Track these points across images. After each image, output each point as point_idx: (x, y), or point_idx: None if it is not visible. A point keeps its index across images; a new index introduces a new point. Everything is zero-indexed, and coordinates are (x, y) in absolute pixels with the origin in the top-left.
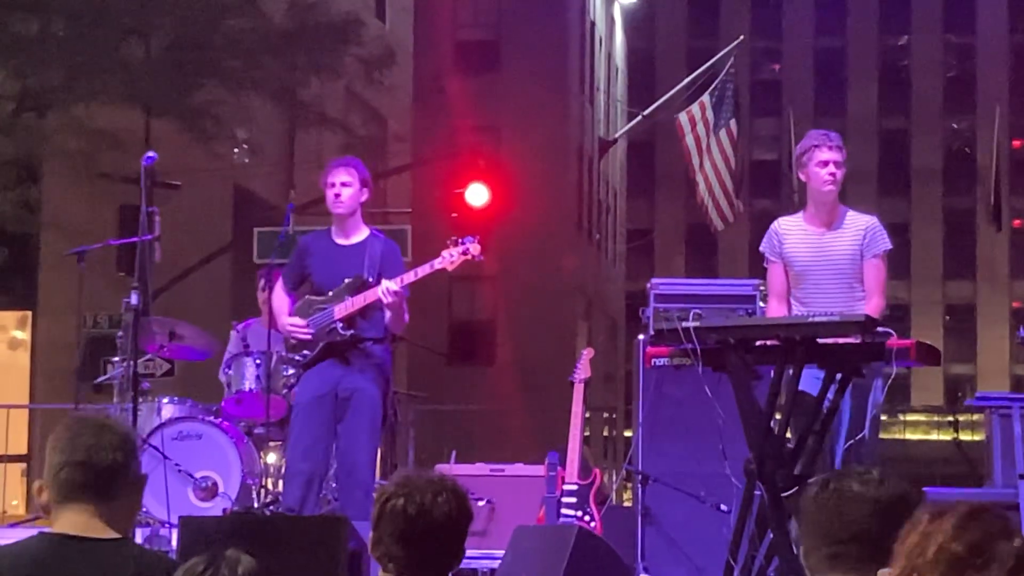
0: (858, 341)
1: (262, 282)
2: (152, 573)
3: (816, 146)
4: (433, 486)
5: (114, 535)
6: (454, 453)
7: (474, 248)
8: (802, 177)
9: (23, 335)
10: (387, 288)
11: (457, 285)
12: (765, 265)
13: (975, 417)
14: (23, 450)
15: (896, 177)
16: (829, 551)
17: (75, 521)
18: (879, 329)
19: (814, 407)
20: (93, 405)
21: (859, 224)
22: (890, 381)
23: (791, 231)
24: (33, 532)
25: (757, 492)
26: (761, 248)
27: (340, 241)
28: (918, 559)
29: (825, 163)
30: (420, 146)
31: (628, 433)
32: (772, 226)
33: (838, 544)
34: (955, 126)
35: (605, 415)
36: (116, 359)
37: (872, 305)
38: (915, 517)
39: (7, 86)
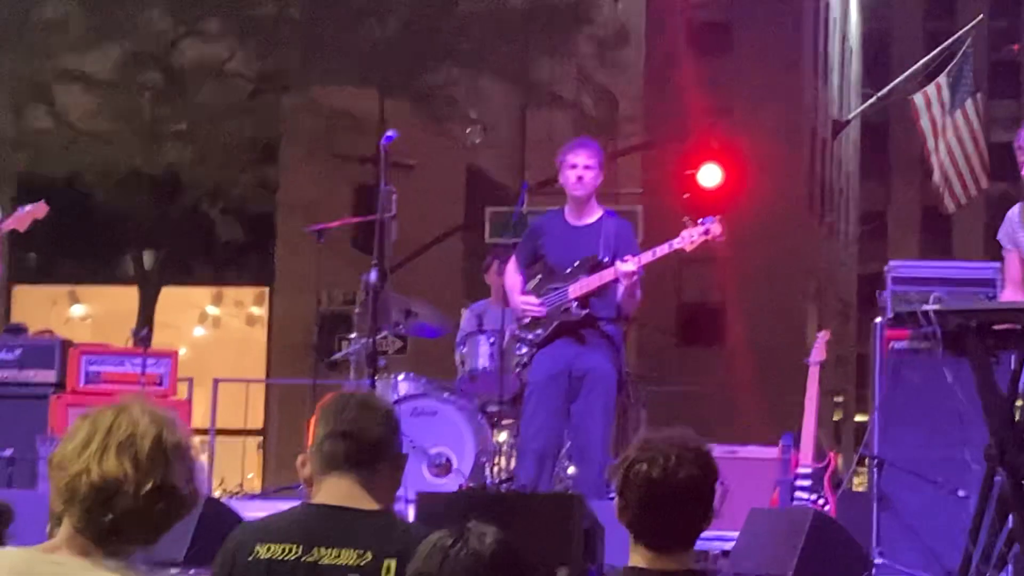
0: None
1: (496, 263)
2: (417, 546)
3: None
4: (676, 448)
5: (376, 507)
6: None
7: (715, 228)
8: None
9: (260, 311)
10: (626, 268)
11: (687, 267)
12: (1003, 253)
13: None
14: (259, 424)
15: None
16: None
17: (337, 492)
18: None
19: None
20: (328, 381)
21: None
22: None
23: None
24: (274, 505)
25: (997, 478)
26: (998, 236)
27: (574, 222)
28: None
29: (1019, 163)
30: (651, 127)
31: (859, 418)
32: (1009, 213)
33: None
34: None
35: (836, 399)
36: (352, 336)
37: None
38: None
39: (246, 67)
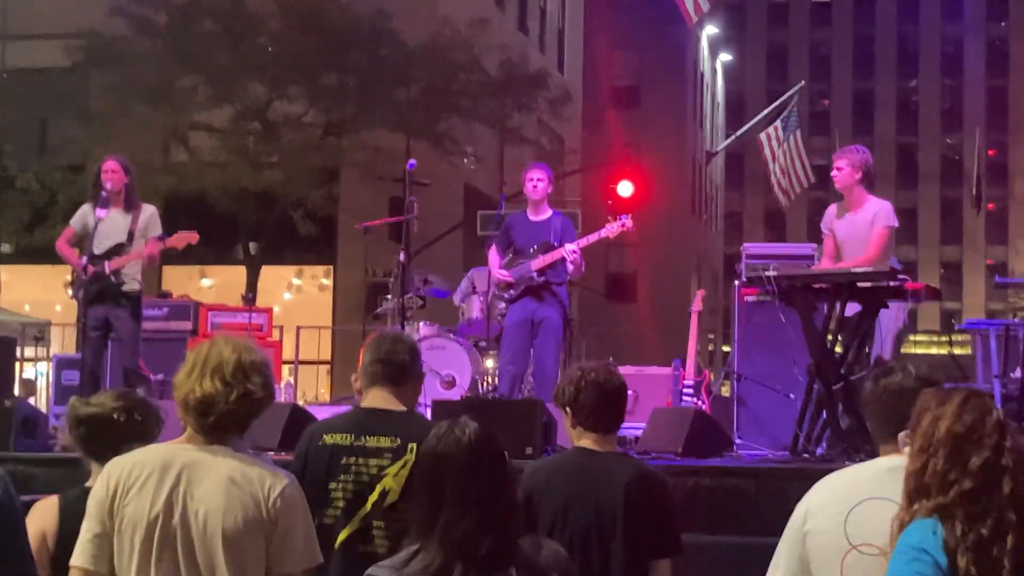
0: (885, 284)
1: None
2: (428, 434)
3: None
4: (605, 368)
5: (404, 409)
6: (611, 359)
7: (628, 222)
8: None
9: (327, 282)
10: (569, 249)
11: (612, 248)
12: (823, 236)
13: (962, 338)
14: (328, 357)
15: (908, 176)
16: (889, 430)
17: (378, 399)
18: (900, 276)
19: (854, 328)
20: (373, 327)
21: (875, 207)
22: (907, 311)
23: (837, 212)
24: (337, 409)
25: (815, 386)
26: (821, 225)
27: (533, 218)
28: (933, 437)
29: (832, 169)
30: (586, 157)
31: (725, 348)
32: (828, 208)
33: (896, 425)
34: (949, 141)
35: (710, 336)
36: (388, 297)
37: (867, 258)
38: (924, 403)
39: (317, 119)
